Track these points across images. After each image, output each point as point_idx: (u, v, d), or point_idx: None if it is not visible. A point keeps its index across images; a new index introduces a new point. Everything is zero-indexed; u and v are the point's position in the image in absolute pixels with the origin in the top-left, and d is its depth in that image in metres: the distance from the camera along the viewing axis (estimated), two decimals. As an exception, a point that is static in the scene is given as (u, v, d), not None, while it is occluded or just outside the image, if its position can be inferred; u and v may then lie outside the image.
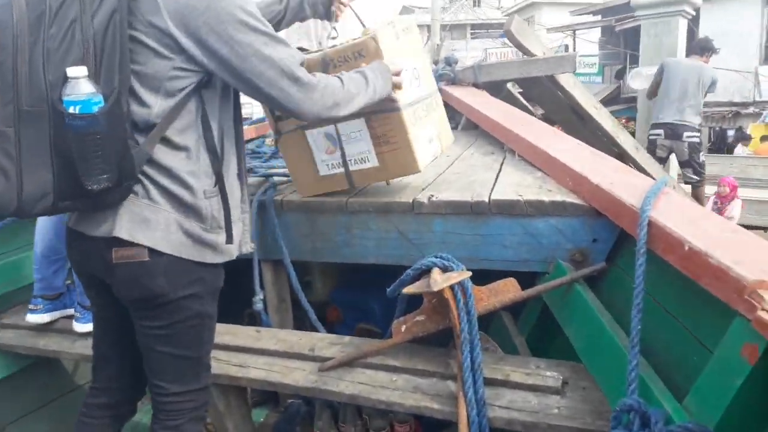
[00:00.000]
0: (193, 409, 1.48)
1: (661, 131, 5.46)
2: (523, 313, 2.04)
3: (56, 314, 2.22)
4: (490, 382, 1.56)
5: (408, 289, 1.57)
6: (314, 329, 2.09)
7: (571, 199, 1.71)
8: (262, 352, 1.89)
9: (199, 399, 1.49)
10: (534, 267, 1.79)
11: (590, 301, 1.56)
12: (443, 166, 2.38)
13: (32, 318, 2.19)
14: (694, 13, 7.70)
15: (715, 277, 1.11)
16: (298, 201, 2.08)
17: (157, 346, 1.41)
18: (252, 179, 2.31)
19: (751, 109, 17.74)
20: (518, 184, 1.93)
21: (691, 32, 9.78)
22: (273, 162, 2.63)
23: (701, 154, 5.55)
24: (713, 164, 11.15)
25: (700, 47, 5.71)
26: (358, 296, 2.66)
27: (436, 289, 1.48)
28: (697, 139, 5.41)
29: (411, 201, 1.91)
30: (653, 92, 5.76)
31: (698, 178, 5.62)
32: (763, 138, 15.09)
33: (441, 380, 1.64)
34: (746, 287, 1.03)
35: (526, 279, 1.79)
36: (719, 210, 6.66)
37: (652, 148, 5.63)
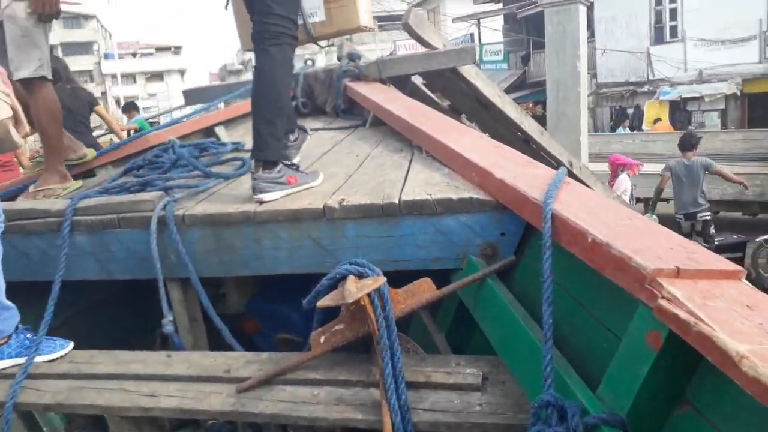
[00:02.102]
0: (288, 36, 2.11)
1: (682, 216, 7.43)
2: (440, 310, 2.05)
3: None
4: (412, 385, 1.55)
5: (322, 303, 1.53)
6: (231, 347, 2.01)
7: (477, 195, 1.72)
8: (174, 378, 1.78)
9: (293, 29, 2.13)
10: (447, 264, 1.80)
11: (502, 295, 1.57)
12: (353, 167, 2.35)
13: None
14: (592, 0, 8.12)
15: (617, 268, 1.14)
16: (202, 214, 1.98)
17: None
18: (150, 193, 2.18)
19: (646, 88, 18.93)
20: (426, 183, 1.92)
21: (589, 18, 10.25)
22: (172, 173, 2.49)
23: (711, 227, 7.38)
24: (617, 142, 11.81)
25: (691, 144, 7.36)
26: (275, 306, 2.58)
27: (350, 300, 1.45)
28: (708, 216, 7.36)
29: (322, 206, 1.86)
30: (660, 191, 7.69)
31: (708, 245, 7.00)
32: (656, 120, 16.16)
33: (364, 389, 1.61)
34: (646, 276, 1.06)
35: (441, 276, 1.79)
36: (611, 185, 7.51)
37: (677, 227, 7.26)
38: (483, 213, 1.71)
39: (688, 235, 7.16)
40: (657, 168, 10.10)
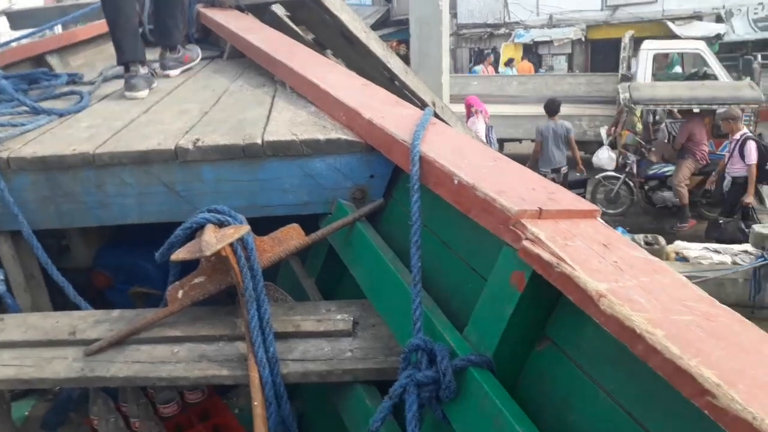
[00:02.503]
0: None
1: (548, 170, 8.06)
2: (309, 257, 1.99)
3: None
4: (281, 336, 1.49)
5: (176, 256, 1.39)
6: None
7: (345, 136, 1.65)
8: (8, 345, 1.57)
9: None
10: (316, 209, 1.73)
11: (371, 239, 1.55)
12: (209, 103, 2.16)
13: None
14: None
15: (483, 209, 1.14)
16: (31, 157, 1.72)
17: None
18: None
19: (502, 30, 19.62)
20: (292, 122, 1.81)
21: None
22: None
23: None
24: (475, 84, 12.22)
25: (554, 110, 8.24)
26: (127, 256, 2.35)
27: (209, 252, 1.33)
28: (566, 170, 8.32)
29: (173, 147, 1.69)
30: (536, 153, 8.32)
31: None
32: (523, 58, 16.94)
33: (228, 343, 1.52)
34: (510, 218, 1.06)
35: (310, 221, 1.72)
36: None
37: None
38: (352, 155, 1.65)
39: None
40: (512, 109, 10.66)
